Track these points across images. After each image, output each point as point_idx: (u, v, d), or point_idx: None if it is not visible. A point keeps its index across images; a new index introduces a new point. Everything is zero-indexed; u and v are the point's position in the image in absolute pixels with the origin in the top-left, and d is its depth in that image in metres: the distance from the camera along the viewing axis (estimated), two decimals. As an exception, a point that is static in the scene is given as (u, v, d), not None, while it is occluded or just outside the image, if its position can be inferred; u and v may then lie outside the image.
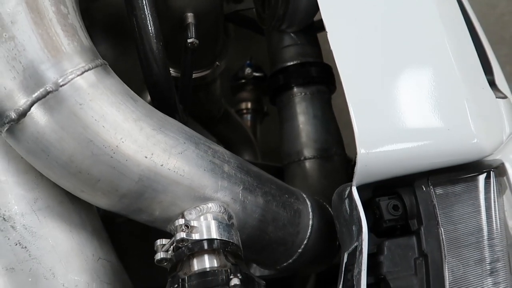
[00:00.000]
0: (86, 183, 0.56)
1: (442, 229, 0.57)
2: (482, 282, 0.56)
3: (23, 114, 0.52)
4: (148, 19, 0.74)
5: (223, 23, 0.97)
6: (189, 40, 0.80)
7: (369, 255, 0.60)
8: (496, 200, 0.60)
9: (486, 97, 0.66)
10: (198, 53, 0.93)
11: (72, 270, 0.59)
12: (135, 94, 0.61)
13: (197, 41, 0.81)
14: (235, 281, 0.54)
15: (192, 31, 0.81)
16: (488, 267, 0.56)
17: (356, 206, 0.60)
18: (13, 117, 0.52)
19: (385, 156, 0.58)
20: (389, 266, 0.58)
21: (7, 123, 0.52)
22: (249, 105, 1.41)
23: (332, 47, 0.64)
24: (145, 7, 0.73)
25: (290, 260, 0.78)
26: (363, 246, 0.57)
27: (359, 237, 0.60)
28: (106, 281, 0.62)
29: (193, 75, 1.01)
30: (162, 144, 0.59)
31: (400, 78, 0.63)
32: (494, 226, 0.58)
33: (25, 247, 0.57)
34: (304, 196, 0.82)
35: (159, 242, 0.60)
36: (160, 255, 0.59)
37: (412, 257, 0.57)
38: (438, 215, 0.58)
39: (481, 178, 0.62)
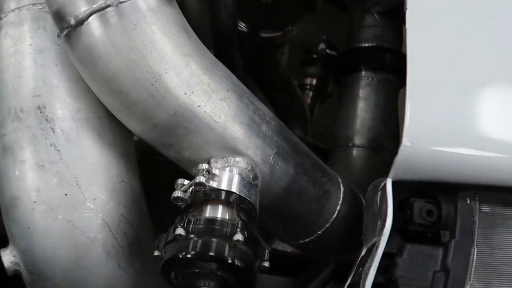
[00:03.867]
0: (124, 104, 0.57)
1: (476, 249, 0.51)
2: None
3: (80, 22, 0.53)
4: None
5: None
6: (263, -5, 0.78)
7: (386, 254, 0.56)
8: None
9: None
10: (272, 13, 0.90)
11: (95, 184, 0.61)
12: (191, 30, 0.60)
13: (270, -3, 0.79)
14: (238, 236, 0.53)
15: (269, -13, 0.79)
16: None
17: (386, 199, 0.56)
18: (71, 23, 0.53)
19: (433, 154, 0.53)
20: (403, 270, 0.54)
21: (66, 28, 0.54)
22: (314, 81, 1.37)
23: (407, 25, 0.59)
24: None
25: (307, 240, 0.76)
26: (381, 241, 0.53)
27: (381, 232, 0.56)
28: (123, 203, 0.64)
29: (264, 34, 0.99)
30: (204, 85, 0.58)
31: (477, 79, 0.56)
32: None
33: (58, 150, 0.60)
34: (340, 180, 0.78)
35: (180, 181, 0.60)
36: (177, 193, 0.59)
37: (432, 269, 0.53)
38: (476, 233, 0.52)
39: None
